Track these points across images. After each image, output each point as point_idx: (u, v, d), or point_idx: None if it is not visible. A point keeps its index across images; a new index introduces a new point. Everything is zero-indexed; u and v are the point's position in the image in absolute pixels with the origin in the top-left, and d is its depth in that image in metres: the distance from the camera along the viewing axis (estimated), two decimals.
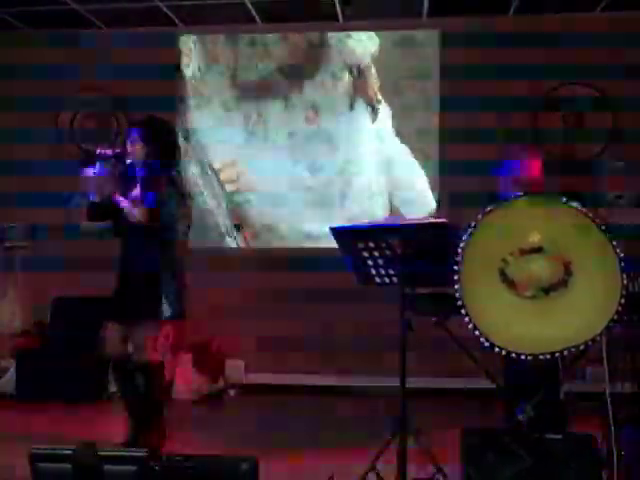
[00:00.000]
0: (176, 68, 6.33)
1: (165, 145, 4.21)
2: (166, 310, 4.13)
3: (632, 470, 3.32)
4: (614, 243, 2.80)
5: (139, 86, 6.25)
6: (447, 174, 6.05)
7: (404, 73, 6.17)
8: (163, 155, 4.17)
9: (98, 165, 4.17)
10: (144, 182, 4.13)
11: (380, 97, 6.20)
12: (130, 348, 4.19)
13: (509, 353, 2.88)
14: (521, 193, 3.71)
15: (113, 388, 5.74)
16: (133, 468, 2.56)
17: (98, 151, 4.24)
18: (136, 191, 4.17)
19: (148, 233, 4.10)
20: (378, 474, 3.24)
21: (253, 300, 6.12)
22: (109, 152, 4.22)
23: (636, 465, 3.32)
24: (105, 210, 4.23)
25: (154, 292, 4.10)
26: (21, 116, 6.42)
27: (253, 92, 6.34)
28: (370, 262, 3.31)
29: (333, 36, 6.22)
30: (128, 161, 4.21)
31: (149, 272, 4.11)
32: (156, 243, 4.12)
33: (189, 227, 4.39)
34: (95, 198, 4.20)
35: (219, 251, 6.32)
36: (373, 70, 6.20)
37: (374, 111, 6.21)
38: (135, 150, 4.16)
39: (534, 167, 4.07)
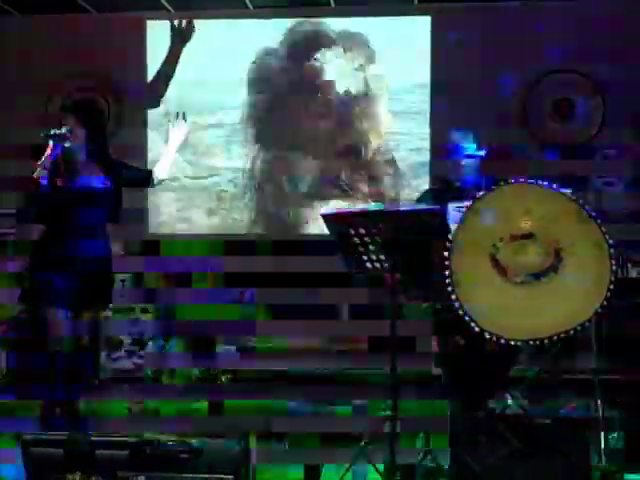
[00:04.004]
0: None
1: (100, 126, 4.16)
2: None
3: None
4: (604, 229, 2.83)
5: (129, 69, 6.24)
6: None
7: None
8: (98, 137, 4.10)
9: (53, 146, 3.91)
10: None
11: None
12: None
13: (499, 338, 2.90)
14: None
15: (103, 374, 5.77)
16: (125, 453, 2.57)
17: (53, 131, 3.95)
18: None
19: (101, 215, 4.08)
20: (368, 458, 3.26)
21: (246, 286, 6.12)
22: (56, 132, 3.94)
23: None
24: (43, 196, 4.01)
25: (109, 278, 4.16)
26: (10, 100, 6.40)
27: None
28: (361, 248, 3.31)
29: None
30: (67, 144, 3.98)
31: (106, 257, 4.13)
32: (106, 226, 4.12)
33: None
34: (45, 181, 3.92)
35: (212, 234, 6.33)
36: None
37: None
38: (76, 133, 4.02)
39: None
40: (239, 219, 6.39)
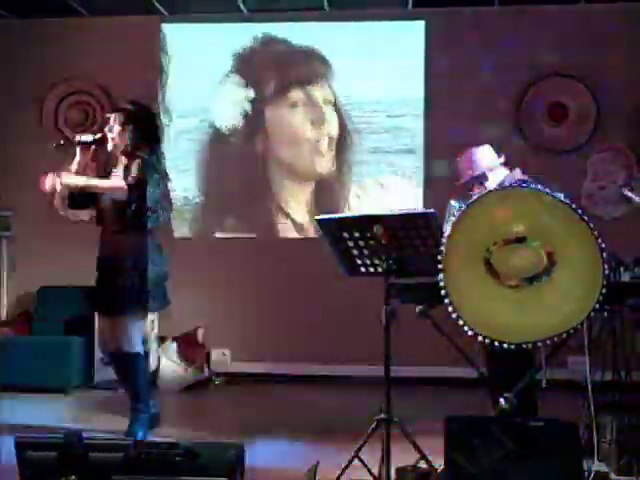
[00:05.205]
0: None
1: (146, 129, 4.18)
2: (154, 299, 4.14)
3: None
4: (596, 233, 2.84)
5: (123, 73, 6.25)
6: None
7: None
8: (144, 139, 4.14)
9: (78, 151, 4.17)
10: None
11: None
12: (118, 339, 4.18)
13: (492, 342, 2.91)
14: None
15: (99, 377, 5.76)
16: (119, 456, 2.57)
17: (77, 137, 4.23)
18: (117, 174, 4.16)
19: (133, 218, 4.06)
20: (362, 461, 3.26)
21: (240, 289, 6.13)
22: (89, 138, 4.21)
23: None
24: (86, 197, 4.21)
25: (141, 281, 4.08)
26: (4, 101, 6.40)
27: None
28: (355, 252, 3.32)
29: None
30: (109, 146, 4.17)
31: (135, 259, 4.10)
32: (140, 228, 4.11)
33: (171, 212, 4.37)
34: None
35: (205, 239, 6.33)
36: None
37: None
38: (116, 135, 4.14)
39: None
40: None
